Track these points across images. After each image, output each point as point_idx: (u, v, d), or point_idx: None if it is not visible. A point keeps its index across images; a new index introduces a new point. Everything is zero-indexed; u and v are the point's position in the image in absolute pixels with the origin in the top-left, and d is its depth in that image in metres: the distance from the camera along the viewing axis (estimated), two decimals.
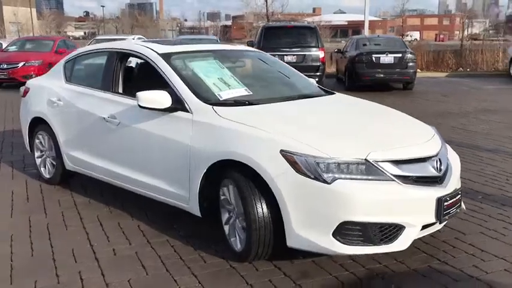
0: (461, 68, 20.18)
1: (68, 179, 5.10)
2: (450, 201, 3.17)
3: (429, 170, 3.18)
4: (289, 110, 3.73)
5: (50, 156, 5.07)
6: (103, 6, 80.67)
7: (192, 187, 3.54)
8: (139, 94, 3.64)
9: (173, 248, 3.57)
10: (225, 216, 3.51)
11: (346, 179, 2.92)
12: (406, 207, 3.01)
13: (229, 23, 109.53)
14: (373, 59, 12.68)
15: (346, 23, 79.48)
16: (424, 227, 3.16)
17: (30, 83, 5.47)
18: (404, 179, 3.04)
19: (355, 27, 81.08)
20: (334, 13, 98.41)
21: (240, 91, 3.86)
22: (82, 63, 4.97)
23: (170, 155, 3.66)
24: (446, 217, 3.20)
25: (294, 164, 2.98)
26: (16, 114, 9.66)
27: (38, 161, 5.26)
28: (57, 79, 4.99)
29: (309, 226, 2.96)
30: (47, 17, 70.40)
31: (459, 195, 3.32)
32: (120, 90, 4.30)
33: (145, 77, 4.31)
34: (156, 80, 3.99)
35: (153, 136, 3.78)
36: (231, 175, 3.29)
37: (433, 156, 3.25)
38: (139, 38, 15.35)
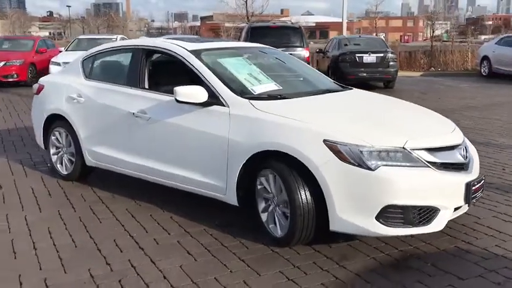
0: (432, 68, 20.90)
1: (86, 175, 5.16)
2: (477, 186, 3.44)
3: (457, 157, 3.44)
4: (321, 104, 3.94)
5: (68, 152, 5.12)
6: (69, 6, 79.01)
7: (230, 178, 3.70)
8: (177, 89, 3.77)
9: (212, 237, 3.72)
10: (261, 205, 3.68)
11: (388, 165, 3.15)
12: (440, 191, 3.25)
13: (197, 23, 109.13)
14: (357, 58, 13.05)
15: (314, 25, 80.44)
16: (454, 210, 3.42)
17: (44, 80, 5.50)
18: (437, 166, 3.29)
19: (322, 29, 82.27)
20: (302, 15, 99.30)
21: (270, 86, 4.05)
22: (102, 60, 5.04)
23: (207, 147, 3.81)
24: (474, 200, 3.47)
25: (337, 153, 3.18)
26: (6, 113, 9.57)
27: (54, 157, 5.29)
28: (75, 76, 5.05)
29: (353, 211, 3.17)
30: (10, 17, 68.58)
31: (483, 181, 3.60)
32: (148, 86, 4.41)
33: (173, 73, 4.43)
34: (185, 76, 4.14)
35: (188, 130, 3.92)
36: (271, 165, 3.46)
37: (459, 145, 3.52)
38: (122, 38, 15.28)
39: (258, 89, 3.93)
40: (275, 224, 3.57)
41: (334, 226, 3.25)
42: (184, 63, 4.15)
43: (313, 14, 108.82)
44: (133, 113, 4.29)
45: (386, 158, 3.18)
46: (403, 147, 3.23)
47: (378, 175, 3.11)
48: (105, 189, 4.85)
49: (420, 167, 3.22)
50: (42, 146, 5.48)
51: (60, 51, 14.78)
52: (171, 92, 3.90)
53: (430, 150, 3.31)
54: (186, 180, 4.03)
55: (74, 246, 3.59)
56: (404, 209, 3.16)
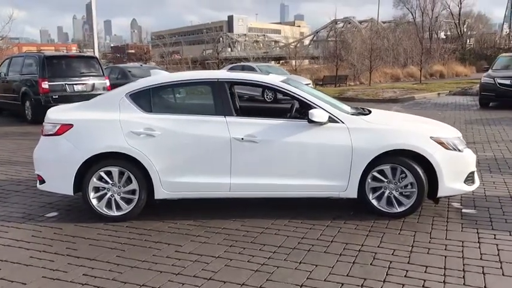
0: None
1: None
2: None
3: (464, 141, 5.60)
4: (388, 117, 5.50)
5: (122, 192, 4.87)
6: None
7: (353, 176, 4.83)
8: (313, 112, 4.68)
9: (350, 224, 4.77)
10: (370, 194, 4.95)
11: (464, 148, 5.05)
12: (474, 160, 5.33)
13: None
14: None
15: None
16: None
17: (67, 118, 4.90)
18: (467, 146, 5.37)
19: None
20: None
21: (346, 106, 5.31)
22: (167, 93, 5.04)
23: (330, 156, 4.80)
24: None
25: (442, 144, 4.87)
26: None
27: (95, 201, 4.88)
28: (126, 111, 4.87)
29: (452, 179, 4.91)
30: None
31: None
32: (247, 114, 4.93)
33: (256, 100, 5.07)
34: (265, 103, 4.95)
35: (310, 144, 4.79)
36: (391, 160, 4.83)
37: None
38: None
39: (346, 108, 5.17)
40: (390, 204, 4.92)
41: (442, 193, 4.91)
42: (280, 91, 4.96)
43: None
44: (242, 138, 4.76)
45: (461, 144, 5.07)
46: (458, 137, 5.19)
47: (465, 154, 4.99)
48: (191, 218, 4.95)
49: (467, 147, 5.23)
50: (70, 192, 4.89)
51: None
52: (275, 116, 4.74)
53: (462, 137, 5.37)
54: (304, 187, 4.86)
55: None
56: (473, 173, 5.12)
